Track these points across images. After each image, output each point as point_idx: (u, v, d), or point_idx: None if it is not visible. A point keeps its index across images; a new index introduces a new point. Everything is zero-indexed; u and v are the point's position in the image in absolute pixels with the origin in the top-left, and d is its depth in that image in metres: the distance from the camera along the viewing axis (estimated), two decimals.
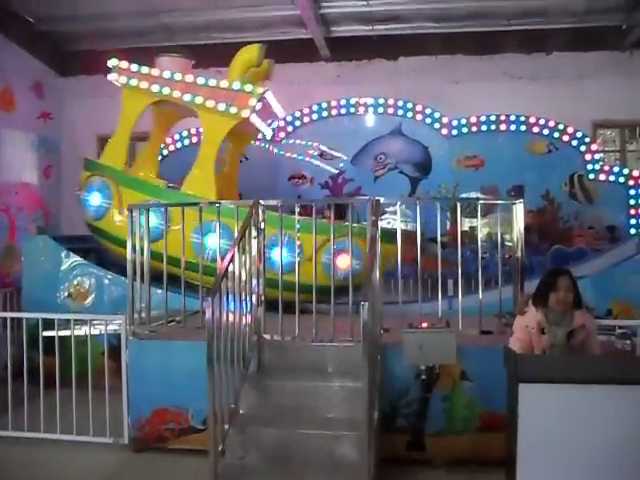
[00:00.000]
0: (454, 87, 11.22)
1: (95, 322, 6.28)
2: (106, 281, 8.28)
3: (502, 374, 4.24)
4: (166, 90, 8.02)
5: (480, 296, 5.74)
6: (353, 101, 10.80)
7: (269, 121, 8.97)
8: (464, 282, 5.93)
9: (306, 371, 5.48)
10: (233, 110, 7.75)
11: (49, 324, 6.28)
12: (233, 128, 7.97)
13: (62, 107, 12.10)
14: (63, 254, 8.37)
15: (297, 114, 10.96)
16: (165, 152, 11.00)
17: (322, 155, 10.76)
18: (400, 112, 10.74)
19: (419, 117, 10.72)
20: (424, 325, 5.28)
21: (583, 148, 10.35)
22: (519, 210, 5.77)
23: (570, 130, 10.37)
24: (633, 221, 10.13)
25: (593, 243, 10.13)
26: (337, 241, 5.91)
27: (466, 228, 9.37)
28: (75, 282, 8.28)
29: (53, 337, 6.24)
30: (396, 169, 10.86)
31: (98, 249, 9.60)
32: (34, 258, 8.47)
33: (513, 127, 10.53)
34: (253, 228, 5.57)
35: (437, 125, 10.69)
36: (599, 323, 4.84)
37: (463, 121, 10.61)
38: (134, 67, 8.20)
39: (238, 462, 4.75)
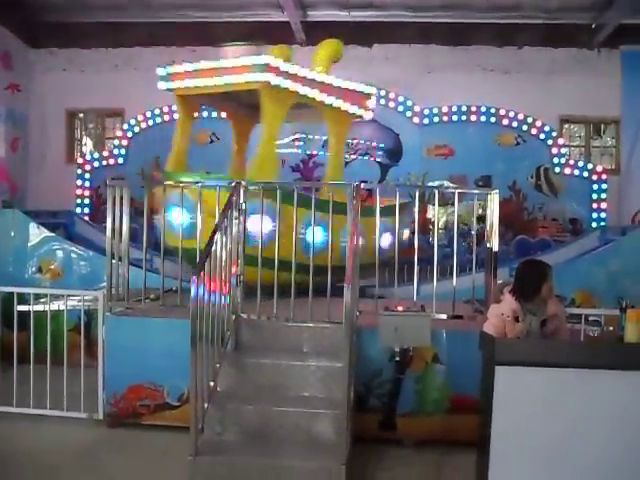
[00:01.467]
0: (427, 76, 11.40)
1: (70, 297, 6.28)
2: (76, 256, 8.22)
3: (473, 358, 4.38)
4: (314, 93, 7.37)
5: (454, 282, 5.91)
6: None
7: None
8: (432, 268, 6.05)
9: (283, 350, 5.57)
10: (360, 112, 7.86)
11: (17, 299, 6.24)
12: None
13: (32, 79, 11.93)
14: (33, 228, 8.28)
15: None
16: (137, 129, 10.94)
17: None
18: None
19: (392, 104, 10.86)
20: (400, 308, 5.44)
21: (550, 142, 10.65)
22: (494, 200, 5.93)
23: (538, 124, 10.65)
24: (595, 215, 10.47)
25: (556, 235, 10.47)
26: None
27: (430, 216, 9.60)
28: (45, 257, 8.21)
29: (21, 312, 6.23)
30: (367, 155, 10.99)
31: (67, 224, 9.56)
32: (3, 232, 8.34)
33: (483, 118, 10.78)
34: (235, 209, 5.62)
35: (409, 113, 10.85)
36: (567, 312, 5.05)
37: (435, 110, 10.79)
38: (286, 66, 6.98)
39: (216, 438, 4.81)
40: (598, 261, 8.08)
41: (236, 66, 6.97)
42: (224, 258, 5.27)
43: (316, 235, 5.90)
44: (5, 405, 5.98)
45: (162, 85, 7.43)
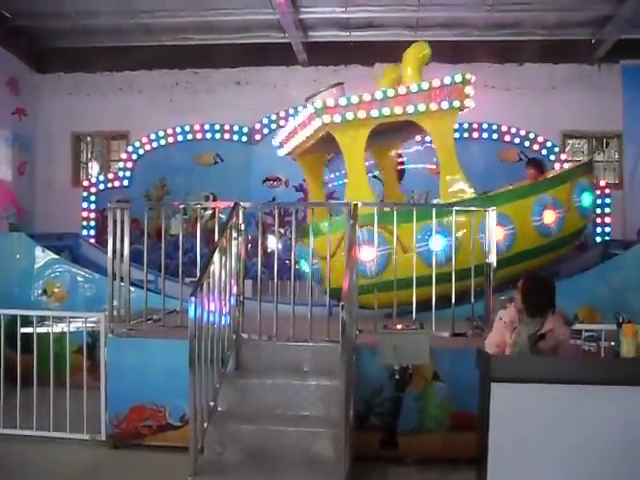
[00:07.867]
0: None
1: (73, 319, 6.34)
2: (81, 278, 8.31)
3: (473, 375, 4.40)
4: (385, 111, 7.16)
5: (452, 299, 5.93)
6: None
7: None
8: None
9: (283, 370, 5.60)
10: (456, 104, 7.41)
11: (21, 321, 6.29)
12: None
13: (38, 104, 12.05)
14: (38, 251, 8.36)
15: (273, 117, 11.06)
16: (141, 151, 11.03)
17: None
18: None
19: None
20: (399, 327, 5.44)
21: (552, 157, 10.64)
22: (491, 217, 5.97)
23: (540, 139, 10.66)
24: (599, 229, 10.44)
25: None
26: None
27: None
28: (50, 279, 8.29)
29: (25, 334, 6.28)
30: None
31: (73, 246, 9.64)
32: (9, 255, 8.43)
33: (485, 135, 10.80)
34: (234, 230, 5.68)
35: None
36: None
37: None
38: (343, 101, 7.05)
39: (216, 458, 4.84)
40: (601, 276, 8.04)
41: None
42: (223, 278, 5.32)
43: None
44: (9, 427, 6.04)
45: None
